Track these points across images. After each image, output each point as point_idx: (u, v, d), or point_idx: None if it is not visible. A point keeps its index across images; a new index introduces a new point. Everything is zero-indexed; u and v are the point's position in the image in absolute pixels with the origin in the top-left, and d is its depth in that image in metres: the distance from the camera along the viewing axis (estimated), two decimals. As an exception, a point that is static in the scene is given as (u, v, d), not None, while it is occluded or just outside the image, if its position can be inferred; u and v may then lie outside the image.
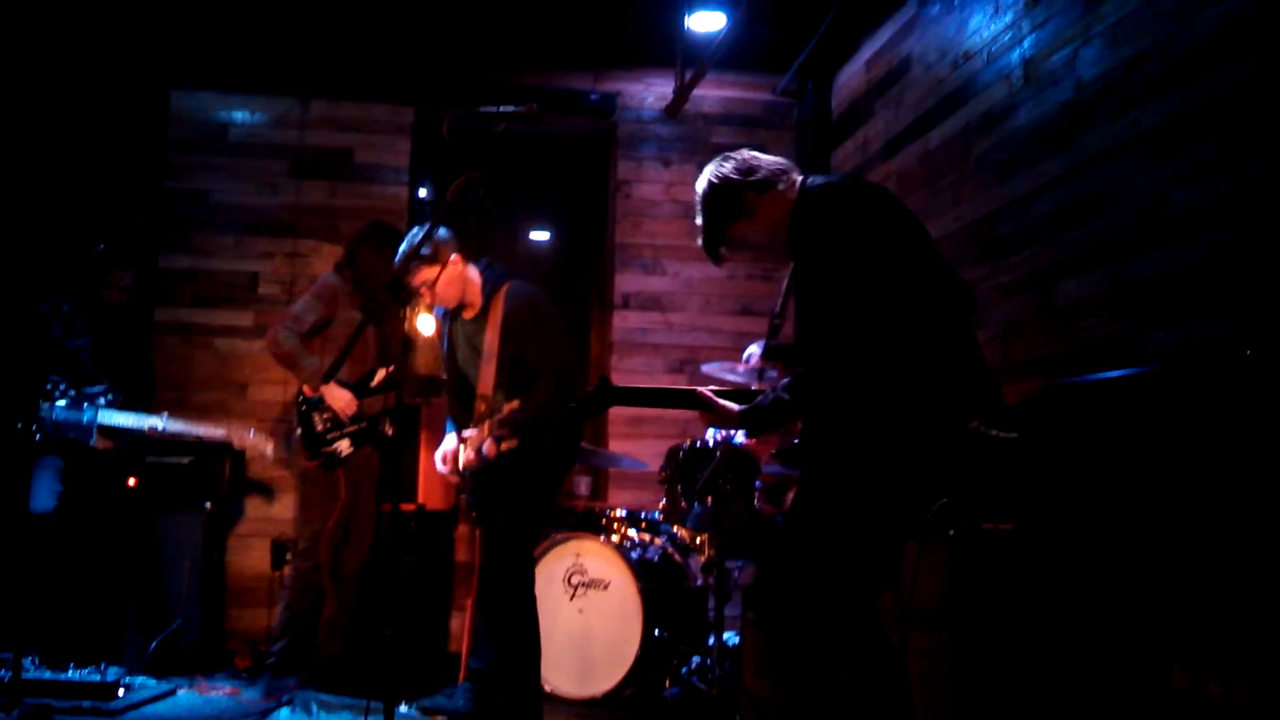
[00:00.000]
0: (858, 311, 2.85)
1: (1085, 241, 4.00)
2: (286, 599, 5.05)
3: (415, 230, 4.37)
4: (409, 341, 5.21)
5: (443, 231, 4.40)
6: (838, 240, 2.90)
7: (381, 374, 5.10)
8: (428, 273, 4.37)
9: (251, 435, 5.29)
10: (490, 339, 4.37)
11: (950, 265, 3.01)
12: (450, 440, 4.47)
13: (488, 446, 4.20)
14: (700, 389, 3.11)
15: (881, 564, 3.00)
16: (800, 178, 3.10)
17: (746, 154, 3.14)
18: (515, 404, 4.07)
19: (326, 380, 4.91)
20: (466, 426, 4.43)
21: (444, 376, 4.97)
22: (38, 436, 5.01)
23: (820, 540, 2.92)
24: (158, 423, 5.17)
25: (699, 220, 3.16)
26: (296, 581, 5.04)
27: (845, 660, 2.93)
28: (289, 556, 5.24)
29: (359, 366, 5.08)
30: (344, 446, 5.02)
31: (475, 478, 4.37)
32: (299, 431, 5.06)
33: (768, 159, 3.12)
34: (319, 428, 5.02)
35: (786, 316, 3.31)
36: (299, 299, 5.22)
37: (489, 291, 4.45)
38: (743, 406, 3.07)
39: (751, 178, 3.08)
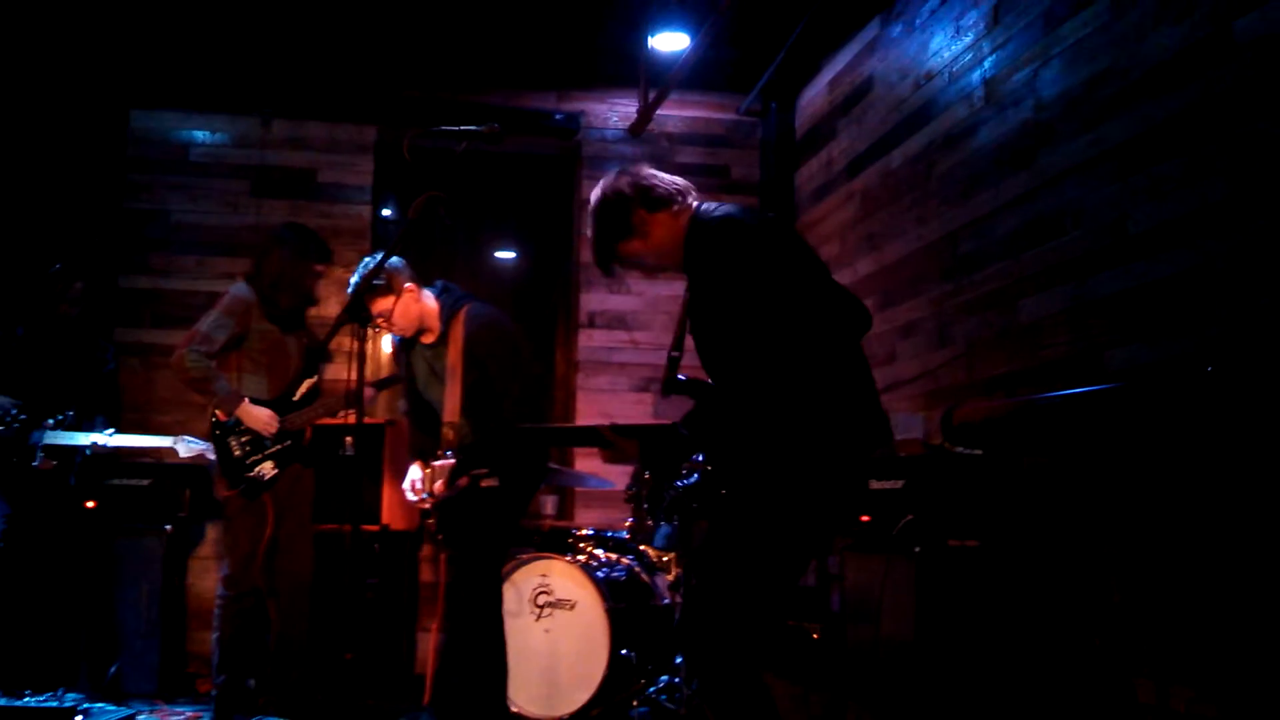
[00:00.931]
0: (756, 338, 2.81)
1: (1047, 259, 4.04)
2: (218, 632, 4.74)
3: (367, 259, 4.36)
4: (319, 353, 5.03)
5: (395, 260, 4.38)
6: (736, 268, 2.86)
7: (306, 385, 4.88)
8: (383, 303, 4.36)
9: (196, 445, 5.14)
10: (453, 363, 4.35)
11: (843, 289, 2.97)
12: (416, 469, 4.43)
13: (461, 482, 4.17)
14: (601, 424, 3.09)
15: (783, 590, 2.89)
16: (695, 203, 3.08)
17: (645, 171, 3.11)
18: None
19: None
20: (430, 453, 4.39)
21: (373, 389, 4.94)
22: None
23: (725, 568, 2.85)
24: (100, 438, 5.03)
25: (589, 233, 3.15)
26: (224, 612, 4.73)
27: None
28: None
29: (279, 380, 4.84)
30: (267, 469, 4.75)
31: (445, 504, 4.34)
32: (214, 459, 4.78)
33: (666, 179, 3.08)
34: (237, 453, 4.74)
35: (684, 350, 3.29)
36: (206, 316, 4.82)
37: (447, 315, 4.43)
38: (681, 423, 2.97)
39: (646, 196, 3.05)
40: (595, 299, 6.74)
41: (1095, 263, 3.76)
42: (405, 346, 4.58)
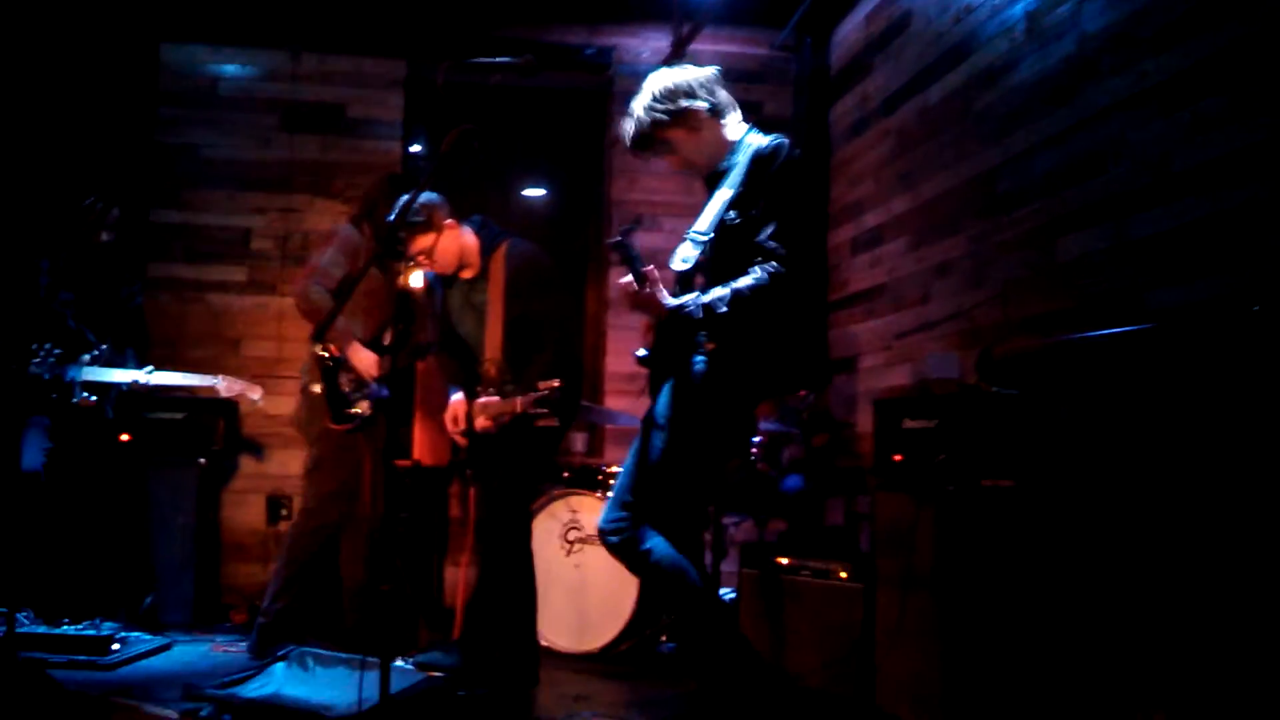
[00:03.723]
0: (785, 254, 3.17)
1: (1087, 197, 3.97)
2: (285, 558, 4.82)
3: (404, 195, 4.33)
4: (409, 299, 5.07)
5: (434, 196, 4.36)
6: (797, 192, 3.27)
7: (390, 334, 4.92)
8: (423, 240, 4.34)
9: (238, 383, 5.20)
10: (493, 300, 4.35)
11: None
12: (458, 401, 4.42)
13: (503, 420, 4.18)
14: (650, 269, 3.21)
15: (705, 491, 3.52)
16: (746, 124, 3.44)
17: (715, 75, 3.43)
18: (556, 383, 4.02)
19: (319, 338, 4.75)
20: (466, 387, 4.40)
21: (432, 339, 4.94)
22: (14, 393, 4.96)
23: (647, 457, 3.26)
24: (141, 376, 5.09)
25: (644, 104, 3.40)
26: (297, 541, 4.82)
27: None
28: (284, 513, 5.14)
29: (373, 325, 4.90)
30: (366, 408, 4.82)
31: (482, 438, 4.35)
32: (319, 390, 4.84)
33: (726, 94, 3.43)
34: (345, 388, 4.82)
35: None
36: (322, 252, 4.90)
37: (487, 251, 4.42)
38: (672, 302, 3.22)
39: (712, 97, 3.39)
40: (626, 236, 6.69)
41: (1137, 201, 3.69)
42: (441, 282, 4.57)
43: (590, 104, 7.01)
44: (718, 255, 3.28)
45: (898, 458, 3.89)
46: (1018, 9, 4.49)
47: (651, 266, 3.21)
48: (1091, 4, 4.01)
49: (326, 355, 4.86)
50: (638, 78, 6.62)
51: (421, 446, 5.85)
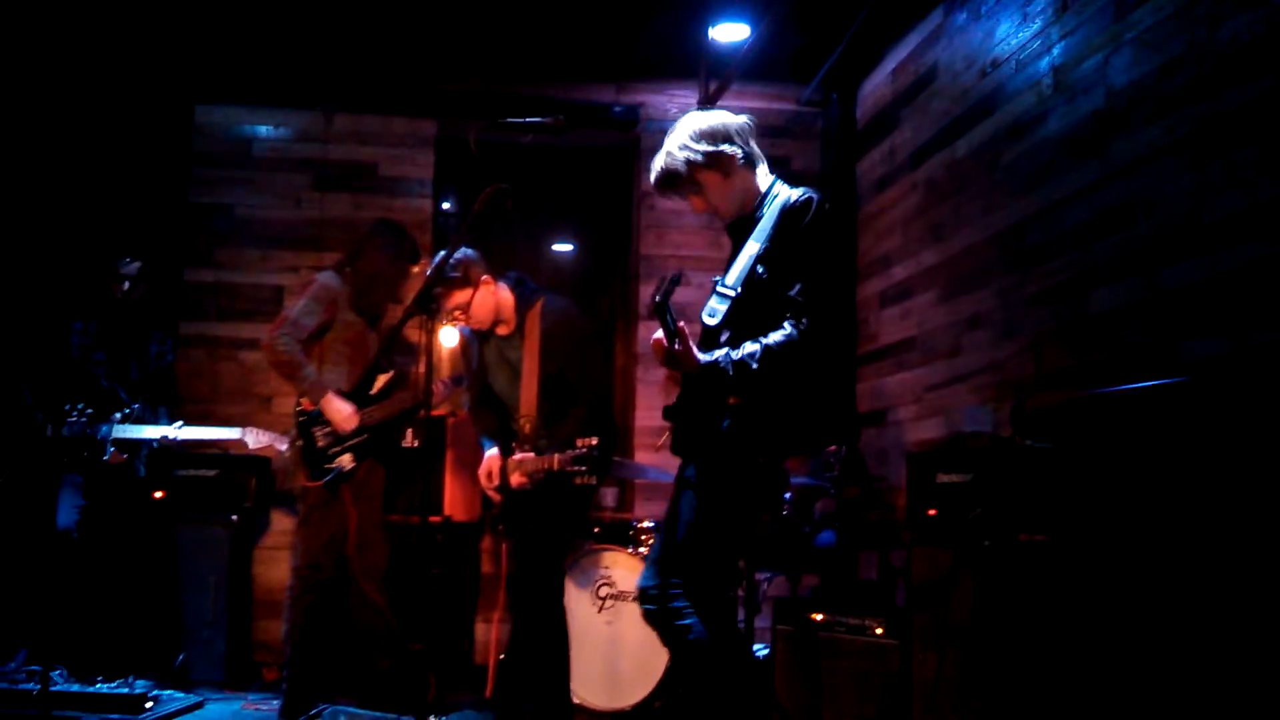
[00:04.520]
0: (815, 310, 3.19)
1: (1119, 250, 3.97)
2: (291, 622, 4.71)
3: (442, 251, 4.36)
4: (398, 344, 5.04)
5: (470, 252, 4.41)
6: (826, 246, 3.30)
7: (382, 380, 4.87)
8: (460, 296, 4.38)
9: (264, 435, 5.20)
10: (529, 356, 4.38)
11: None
12: (493, 457, 4.44)
13: (536, 476, 4.20)
14: (682, 325, 3.21)
15: (737, 547, 3.46)
16: (769, 173, 3.49)
17: (749, 125, 3.46)
18: (594, 441, 4.04)
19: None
20: (501, 443, 4.42)
21: (453, 387, 4.97)
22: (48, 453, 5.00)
23: (682, 531, 3.30)
24: (170, 431, 5.12)
25: (680, 142, 3.40)
26: (299, 601, 4.72)
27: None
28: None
29: (357, 372, 4.83)
30: (346, 461, 4.73)
31: (515, 495, 4.36)
32: (297, 446, 4.77)
33: (756, 144, 3.47)
34: (320, 443, 4.73)
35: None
36: (295, 302, 4.84)
37: (523, 308, 4.46)
38: (705, 358, 3.21)
39: (747, 144, 3.43)
40: (653, 290, 6.72)
41: (1168, 253, 3.69)
42: (478, 338, 4.61)
43: (618, 161, 7.08)
44: (745, 309, 3.29)
45: (932, 512, 3.87)
46: (1044, 63, 4.52)
47: (682, 323, 3.22)
48: (1119, 57, 4.02)
49: (299, 410, 4.79)
50: (665, 134, 6.76)
51: (453, 502, 5.86)
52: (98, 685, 4.65)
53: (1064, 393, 4.09)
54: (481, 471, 4.45)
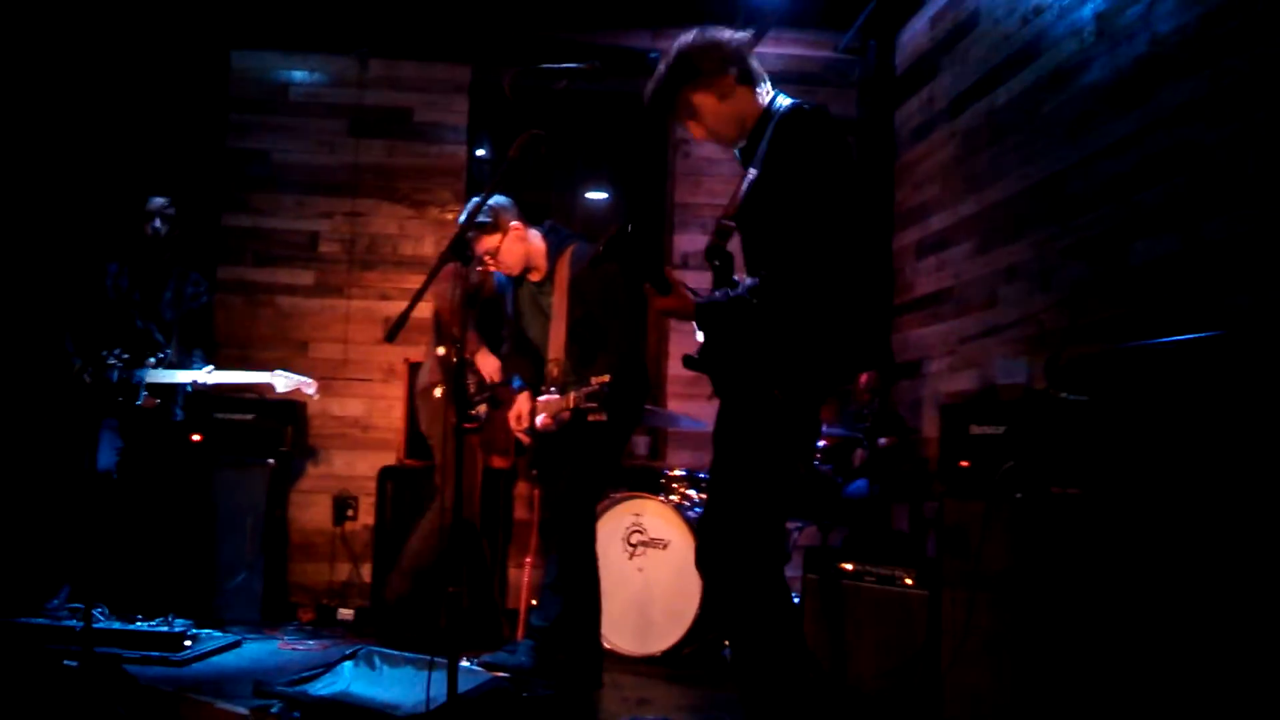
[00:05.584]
0: (823, 232, 2.89)
1: (1160, 200, 3.91)
2: (414, 550, 5.11)
3: (473, 201, 4.36)
4: (472, 300, 5.12)
5: (502, 199, 4.42)
6: (825, 162, 2.94)
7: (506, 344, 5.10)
8: (489, 241, 4.40)
9: (293, 378, 5.26)
10: (558, 302, 4.39)
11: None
12: (523, 399, 4.49)
13: (564, 417, 4.21)
14: (672, 270, 3.06)
15: (784, 498, 3.09)
16: (771, 89, 3.15)
17: (747, 40, 3.16)
18: (605, 378, 4.04)
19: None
20: (533, 388, 4.44)
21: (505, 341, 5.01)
22: (87, 396, 5.08)
23: (728, 484, 3.04)
24: (201, 376, 5.18)
25: (663, 67, 3.18)
26: (429, 538, 5.08)
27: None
28: (350, 514, 5.23)
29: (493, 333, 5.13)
30: (483, 410, 5.13)
31: (546, 439, 4.39)
32: (439, 393, 5.11)
33: (755, 62, 3.15)
34: (471, 390, 5.11)
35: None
36: None
37: (554, 254, 4.46)
38: (700, 299, 3.03)
39: (744, 63, 3.11)
40: (688, 240, 6.71)
41: (1211, 204, 3.63)
42: (512, 285, 4.62)
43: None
44: (752, 242, 3.10)
45: (965, 464, 3.85)
46: (1087, 10, 4.44)
47: (669, 268, 3.10)
48: (1163, 4, 3.95)
49: (456, 356, 5.04)
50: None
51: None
52: (138, 623, 4.73)
53: (1100, 345, 4.06)
54: (511, 414, 4.50)
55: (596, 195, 7.59)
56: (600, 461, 4.40)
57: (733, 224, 3.12)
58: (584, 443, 4.30)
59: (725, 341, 3.05)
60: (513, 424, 4.50)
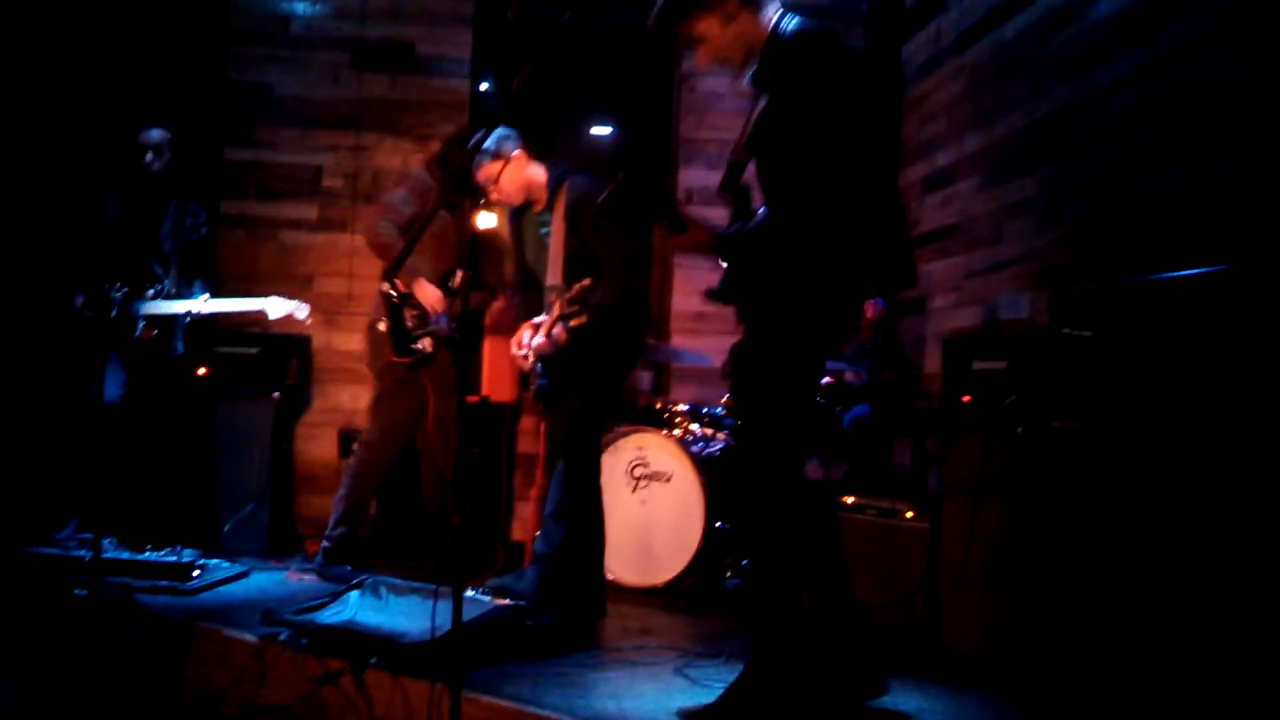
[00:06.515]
0: (827, 158, 2.86)
1: (1167, 136, 3.89)
2: (347, 487, 5.04)
3: (480, 130, 4.35)
4: (477, 243, 5.14)
5: (505, 129, 4.42)
6: (829, 86, 2.89)
7: (460, 276, 5.02)
8: (490, 168, 4.40)
9: (285, 303, 5.23)
10: (555, 231, 4.40)
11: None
12: (525, 327, 4.51)
13: (557, 331, 4.23)
14: (689, 209, 3.05)
15: (802, 411, 3.07)
16: (779, 10, 3.05)
17: None
18: (586, 282, 4.06)
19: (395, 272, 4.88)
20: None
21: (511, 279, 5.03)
22: (90, 329, 5.10)
23: (751, 401, 3.07)
24: (195, 306, 5.18)
25: None
26: (360, 471, 5.04)
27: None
28: (356, 447, 5.24)
29: (439, 265, 5.03)
30: (428, 344, 4.98)
31: (545, 363, 4.41)
32: (384, 326, 4.99)
33: None
34: (408, 324, 4.98)
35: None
36: (395, 191, 5.13)
37: (554, 185, 4.45)
38: (719, 230, 3.05)
39: None
40: (694, 175, 6.67)
41: (1219, 139, 3.61)
42: (516, 216, 4.63)
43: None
44: (766, 170, 3.04)
45: (966, 398, 3.87)
46: (1099, -58, 4.39)
47: (691, 208, 3.11)
48: (1176, -64, 3.90)
49: (393, 291, 4.98)
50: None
51: (490, 382, 5.93)
52: (146, 553, 4.78)
53: (1104, 281, 4.06)
54: (513, 340, 4.52)
55: (602, 129, 7.55)
56: (600, 388, 4.41)
57: (746, 155, 3.09)
58: (583, 369, 4.32)
59: (746, 271, 3.05)
60: (514, 353, 4.52)
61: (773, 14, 3.05)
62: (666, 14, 3.12)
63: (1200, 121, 3.71)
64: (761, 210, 3.00)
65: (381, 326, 5.00)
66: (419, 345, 4.98)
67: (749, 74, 3.10)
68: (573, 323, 4.15)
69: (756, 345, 3.10)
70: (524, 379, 5.14)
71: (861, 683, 3.06)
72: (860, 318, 5.53)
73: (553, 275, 4.39)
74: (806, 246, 2.92)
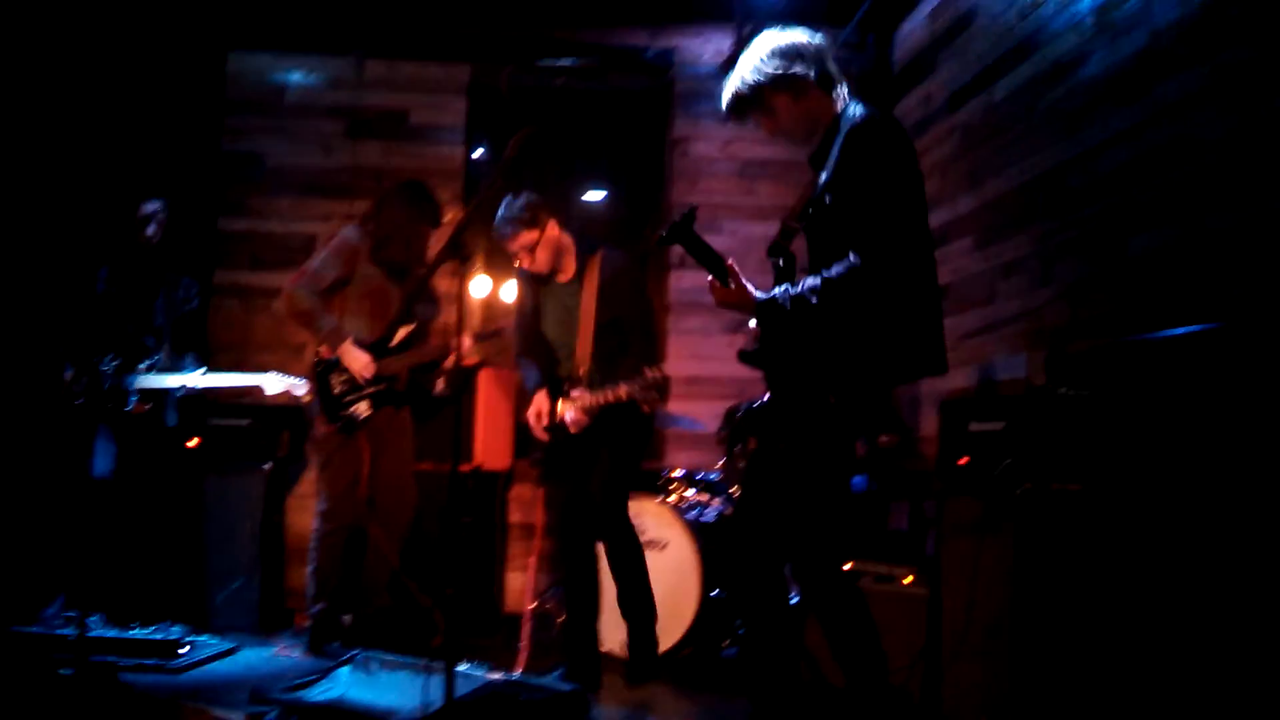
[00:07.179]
0: (890, 240, 2.99)
1: (1160, 194, 3.87)
2: (314, 561, 4.97)
3: (509, 197, 4.44)
4: (421, 298, 5.12)
5: (535, 196, 4.44)
6: (896, 171, 3.05)
7: (402, 332, 4.98)
8: (528, 237, 4.41)
9: (283, 380, 5.21)
10: (586, 303, 4.41)
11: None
12: (541, 396, 4.48)
13: (594, 409, 4.30)
14: (732, 261, 3.14)
15: (837, 499, 3.19)
16: (847, 94, 3.24)
17: (826, 44, 3.26)
18: (660, 370, 4.13)
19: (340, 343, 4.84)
20: (549, 387, 4.45)
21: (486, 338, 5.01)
22: (80, 402, 5.06)
23: (781, 481, 3.13)
24: (190, 380, 5.15)
25: (753, 63, 3.22)
26: (320, 544, 4.96)
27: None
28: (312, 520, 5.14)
29: (379, 324, 4.96)
30: (363, 409, 4.90)
31: (563, 440, 4.41)
32: (308, 396, 4.98)
33: (834, 65, 3.24)
34: (336, 390, 4.90)
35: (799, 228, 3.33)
36: (315, 256, 5.09)
37: (584, 256, 4.47)
38: (762, 295, 3.11)
39: (823, 67, 3.20)
40: (687, 239, 6.66)
41: (1211, 198, 3.60)
42: (534, 283, 4.60)
43: (652, 105, 6.99)
44: (814, 243, 3.20)
45: (964, 460, 3.82)
46: (1085, 3, 4.40)
47: (731, 259, 3.16)
48: (1162, -4, 3.91)
49: (317, 358, 4.95)
50: (699, 79, 6.68)
51: (484, 450, 5.87)
52: (134, 631, 4.71)
53: (1101, 339, 4.02)
54: (531, 412, 4.50)
55: (594, 193, 7.57)
56: (638, 454, 4.44)
57: (798, 225, 3.22)
58: (620, 437, 4.38)
59: (783, 339, 3.14)
60: (532, 421, 4.49)
61: (841, 95, 3.24)
62: (750, 89, 3.24)
63: (1192, 179, 3.70)
64: (810, 280, 3.06)
65: (298, 393, 5.03)
66: (350, 412, 4.90)
67: (809, 148, 3.27)
68: (646, 408, 4.21)
69: (784, 417, 3.15)
70: (521, 447, 5.10)
71: None
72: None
73: (583, 346, 4.40)
74: (849, 325, 3.03)
